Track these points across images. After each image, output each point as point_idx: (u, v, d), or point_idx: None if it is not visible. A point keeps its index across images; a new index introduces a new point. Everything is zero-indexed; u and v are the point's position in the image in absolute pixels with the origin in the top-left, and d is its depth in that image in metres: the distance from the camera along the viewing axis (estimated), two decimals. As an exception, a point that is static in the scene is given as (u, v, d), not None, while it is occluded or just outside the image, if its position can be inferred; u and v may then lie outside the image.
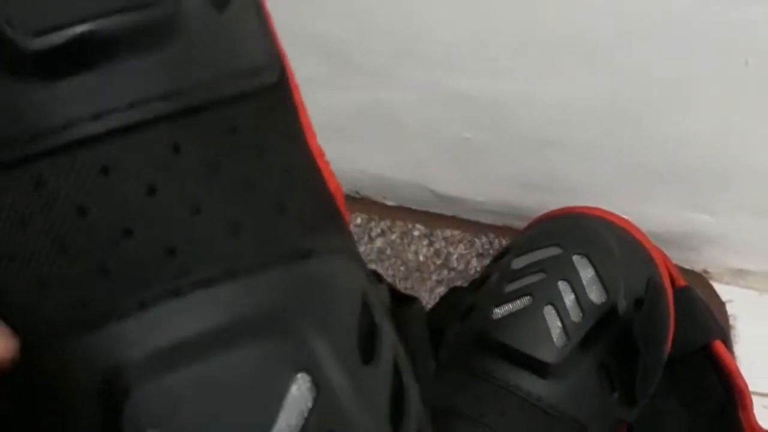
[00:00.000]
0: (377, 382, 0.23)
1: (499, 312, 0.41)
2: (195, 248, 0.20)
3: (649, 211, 0.51)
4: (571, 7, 0.39)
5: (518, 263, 0.42)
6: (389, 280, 0.51)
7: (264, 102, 0.22)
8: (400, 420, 0.24)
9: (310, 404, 0.21)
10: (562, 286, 0.40)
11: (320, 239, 0.22)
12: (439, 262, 0.52)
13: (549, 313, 0.39)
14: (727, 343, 0.44)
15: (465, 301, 0.43)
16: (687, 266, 0.55)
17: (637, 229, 0.44)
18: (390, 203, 0.54)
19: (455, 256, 0.53)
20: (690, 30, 0.40)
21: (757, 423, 0.40)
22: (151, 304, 0.20)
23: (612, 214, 0.45)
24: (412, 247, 0.53)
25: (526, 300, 0.40)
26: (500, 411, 0.38)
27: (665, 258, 0.45)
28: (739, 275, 0.55)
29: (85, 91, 0.20)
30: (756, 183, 0.48)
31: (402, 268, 0.52)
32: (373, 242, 0.53)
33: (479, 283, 0.44)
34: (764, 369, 0.49)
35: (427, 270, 0.52)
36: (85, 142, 0.20)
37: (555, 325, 0.39)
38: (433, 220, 0.54)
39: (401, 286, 0.52)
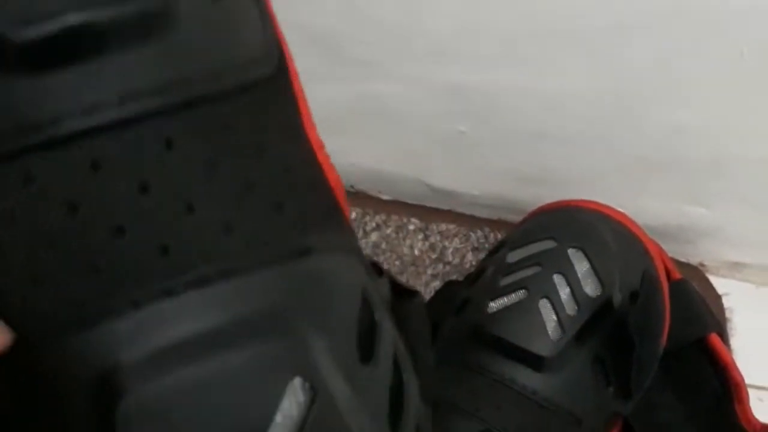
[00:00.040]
0: (376, 381, 0.23)
1: (494, 306, 0.41)
2: (189, 247, 0.20)
3: (645, 204, 0.51)
4: (566, -2, 0.39)
5: (513, 257, 0.42)
6: (384, 274, 0.51)
7: (261, 95, 0.22)
8: (399, 418, 0.24)
9: (306, 408, 0.20)
10: (558, 279, 0.40)
11: (319, 236, 0.22)
12: (434, 256, 0.52)
13: (544, 306, 0.39)
14: (723, 336, 0.44)
15: (460, 295, 0.43)
16: (683, 259, 0.55)
17: (633, 222, 0.44)
18: (385, 197, 0.54)
19: (450, 250, 0.52)
20: (685, 21, 0.39)
21: (753, 416, 0.40)
22: (144, 304, 0.19)
23: (607, 207, 0.44)
24: (408, 242, 0.52)
25: (521, 293, 0.40)
26: (495, 405, 0.38)
27: (661, 251, 0.45)
28: (735, 268, 0.55)
29: (74, 85, 0.19)
30: (752, 175, 0.48)
31: (397, 263, 0.52)
32: (368, 236, 0.52)
33: (474, 277, 0.44)
34: (760, 362, 0.49)
35: (423, 264, 0.52)
36: (75, 137, 0.19)
37: (550, 318, 0.39)
38: (428, 214, 0.54)
39: (396, 280, 0.51)
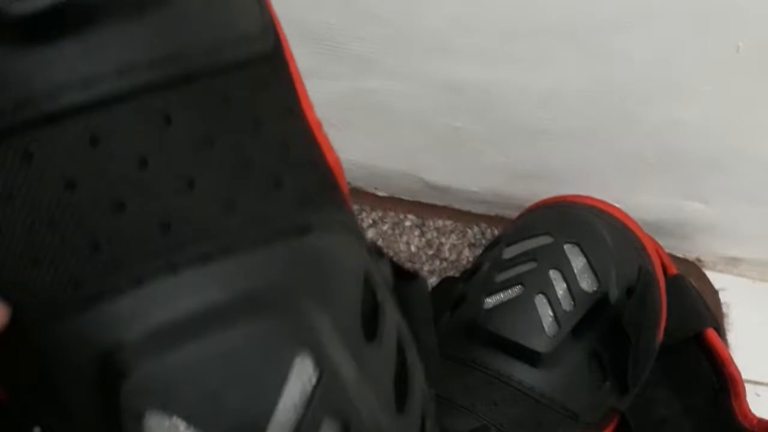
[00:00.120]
0: (381, 361, 0.23)
1: (490, 301, 0.40)
2: (190, 223, 0.20)
3: (642, 200, 0.51)
4: (561, -7, 0.39)
5: (509, 252, 0.42)
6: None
7: (258, 71, 0.21)
8: (404, 399, 0.23)
9: (313, 383, 0.20)
10: (554, 275, 0.40)
11: (319, 214, 0.22)
12: (431, 252, 0.52)
13: (540, 302, 0.39)
14: (720, 331, 0.44)
15: (456, 291, 0.43)
16: (680, 254, 0.55)
17: (629, 218, 0.44)
18: (381, 194, 0.54)
19: (447, 247, 0.52)
20: (681, 16, 0.39)
21: (749, 411, 0.40)
22: (146, 281, 0.19)
23: (603, 202, 0.44)
24: (404, 238, 0.52)
25: (517, 289, 0.40)
26: (492, 400, 0.38)
27: (657, 246, 0.45)
28: (732, 263, 0.55)
29: (72, 58, 0.19)
30: (749, 170, 0.48)
31: (394, 259, 0.52)
32: (364, 233, 0.52)
33: (471, 272, 0.44)
34: (757, 357, 0.49)
35: (419, 260, 0.52)
36: (74, 110, 0.19)
37: (546, 314, 0.39)
38: (424, 210, 0.54)
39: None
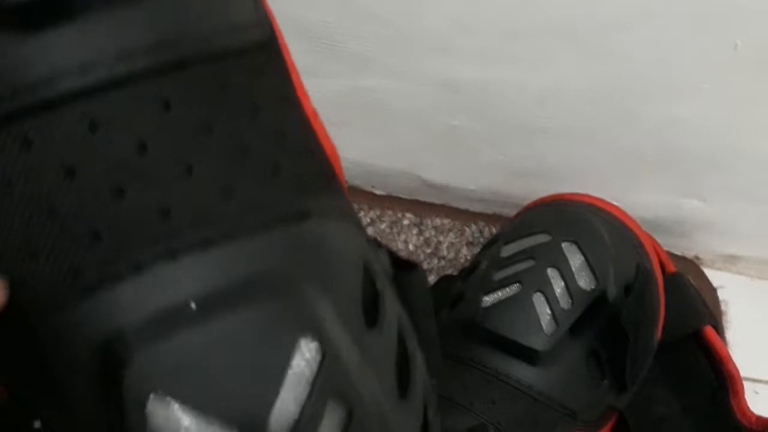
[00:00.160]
0: (381, 348, 0.23)
1: (488, 300, 0.40)
2: (189, 209, 0.20)
3: (640, 198, 0.51)
4: (559, -9, 0.39)
5: (507, 251, 0.42)
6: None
7: (254, 59, 0.22)
8: (406, 387, 0.23)
9: (316, 366, 0.20)
10: (552, 273, 0.40)
11: (317, 201, 0.22)
12: (429, 251, 0.52)
13: (538, 300, 0.39)
14: (718, 328, 0.44)
15: (454, 290, 0.43)
16: (678, 252, 0.55)
17: (627, 215, 0.44)
18: (379, 192, 0.54)
19: (445, 245, 0.52)
20: (680, 15, 0.39)
21: (748, 408, 0.40)
22: (145, 268, 0.19)
23: (601, 200, 0.44)
24: (402, 237, 0.52)
25: (515, 287, 0.40)
26: (490, 399, 0.38)
27: (655, 244, 0.45)
28: (730, 261, 0.55)
29: (69, 44, 0.19)
30: (747, 168, 0.48)
31: (392, 257, 0.52)
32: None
33: (469, 271, 0.44)
34: (755, 354, 0.49)
35: (417, 259, 0.52)
36: (72, 96, 0.19)
37: (544, 312, 0.39)
38: (422, 208, 0.54)
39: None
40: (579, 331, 0.39)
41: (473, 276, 0.43)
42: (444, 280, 0.47)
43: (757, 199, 0.50)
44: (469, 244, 0.52)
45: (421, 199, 0.54)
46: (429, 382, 0.25)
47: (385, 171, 0.52)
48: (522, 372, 0.39)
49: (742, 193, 0.50)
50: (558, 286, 0.39)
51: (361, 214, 0.53)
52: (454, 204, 0.54)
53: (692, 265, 0.55)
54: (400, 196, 0.54)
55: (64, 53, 0.19)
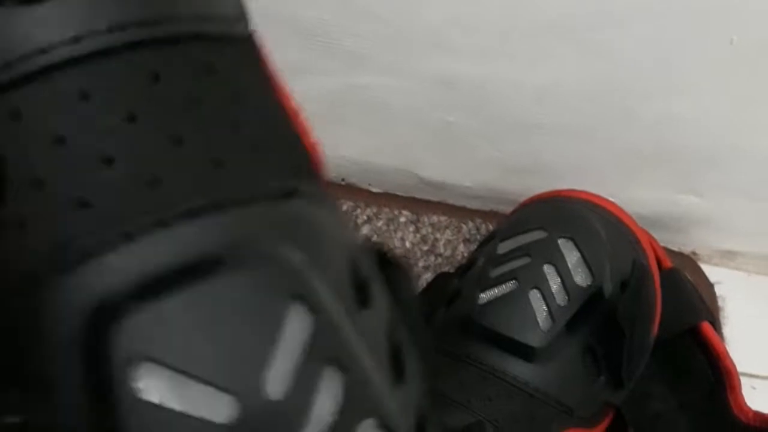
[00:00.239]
0: (375, 328, 0.23)
1: (484, 297, 0.40)
2: (179, 179, 0.20)
3: (637, 194, 0.51)
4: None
5: (503, 248, 0.42)
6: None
7: (240, 50, 0.22)
8: (401, 376, 0.23)
9: (310, 331, 0.20)
10: (548, 269, 0.40)
11: (305, 184, 0.22)
12: (425, 248, 0.52)
13: (534, 296, 0.39)
14: (715, 324, 0.44)
15: (451, 287, 0.43)
16: (675, 248, 0.55)
17: (623, 211, 0.44)
18: (375, 190, 0.54)
19: (442, 242, 0.52)
20: (678, 13, 0.39)
21: (745, 404, 0.40)
22: (135, 236, 0.19)
23: (597, 196, 0.44)
24: (399, 234, 0.52)
25: (511, 284, 0.40)
26: (487, 396, 0.38)
27: (652, 240, 0.45)
28: (727, 257, 0.55)
29: (61, 15, 0.19)
30: (744, 164, 0.48)
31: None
32: (359, 229, 0.52)
33: (465, 268, 0.44)
34: (753, 350, 0.49)
35: (414, 256, 0.52)
36: (64, 66, 0.19)
37: (540, 308, 0.39)
38: (419, 206, 0.54)
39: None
40: (575, 328, 0.39)
41: (470, 273, 0.43)
42: (441, 278, 0.47)
43: (754, 195, 0.50)
44: (466, 241, 0.52)
45: (418, 196, 0.54)
46: (422, 380, 0.25)
47: (381, 168, 0.52)
48: (518, 369, 0.39)
49: (739, 190, 0.50)
50: (554, 283, 0.39)
51: (358, 211, 0.53)
52: (451, 201, 0.54)
53: (689, 261, 0.55)
54: (397, 193, 0.54)
55: (58, 24, 0.19)
